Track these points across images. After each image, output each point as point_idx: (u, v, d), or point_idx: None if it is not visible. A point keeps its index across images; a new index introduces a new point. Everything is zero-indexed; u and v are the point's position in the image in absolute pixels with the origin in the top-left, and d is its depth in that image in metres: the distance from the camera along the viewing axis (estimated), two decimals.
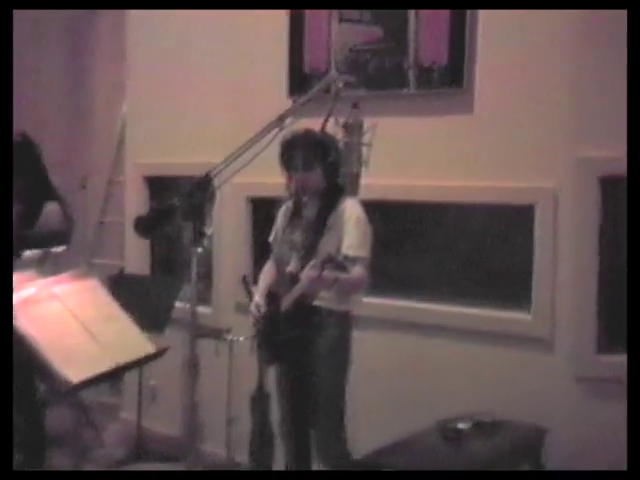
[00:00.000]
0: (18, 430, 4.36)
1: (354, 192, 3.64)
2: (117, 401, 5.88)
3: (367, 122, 3.34)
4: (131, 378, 5.01)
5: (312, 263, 3.49)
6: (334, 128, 3.54)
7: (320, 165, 3.72)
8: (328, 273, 3.41)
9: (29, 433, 4.37)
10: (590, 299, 3.81)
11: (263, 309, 3.83)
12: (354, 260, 3.44)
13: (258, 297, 3.91)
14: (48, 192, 4.39)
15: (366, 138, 3.42)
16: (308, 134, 3.70)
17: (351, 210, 3.72)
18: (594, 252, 3.80)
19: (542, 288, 3.94)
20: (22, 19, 6.75)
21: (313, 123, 3.61)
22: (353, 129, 3.36)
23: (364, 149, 3.55)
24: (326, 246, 3.65)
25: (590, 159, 3.77)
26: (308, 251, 3.72)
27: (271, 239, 4.05)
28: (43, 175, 4.43)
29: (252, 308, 3.87)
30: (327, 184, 3.77)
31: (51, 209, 4.30)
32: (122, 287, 4.55)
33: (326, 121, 3.32)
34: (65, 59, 6.90)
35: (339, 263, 3.34)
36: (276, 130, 3.18)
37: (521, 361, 4.00)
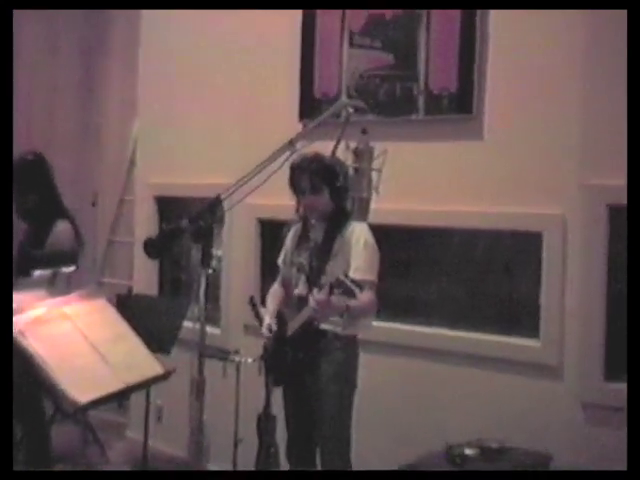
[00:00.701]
0: (24, 447, 4.38)
1: (363, 217, 3.66)
2: (124, 420, 5.88)
3: (378, 148, 3.36)
4: (138, 397, 5.01)
5: (321, 287, 3.50)
6: (344, 153, 3.56)
7: (328, 189, 3.74)
8: (337, 298, 3.41)
9: (35, 450, 4.38)
10: (598, 326, 3.80)
11: (275, 330, 3.84)
12: (362, 284, 3.44)
13: (269, 319, 3.92)
14: (59, 211, 4.40)
15: (376, 163, 3.44)
16: (316, 158, 3.73)
17: (359, 234, 3.73)
18: (602, 279, 3.80)
19: (550, 315, 3.94)
20: (35, 37, 6.83)
21: (323, 147, 3.64)
22: (363, 154, 3.38)
23: (374, 174, 3.57)
24: (333, 270, 3.65)
25: (598, 186, 3.79)
26: (315, 274, 3.73)
27: (279, 261, 4.06)
28: (54, 193, 4.45)
29: (264, 330, 3.87)
30: (335, 208, 3.78)
31: (62, 228, 4.32)
32: (130, 307, 4.55)
33: (336, 146, 3.35)
34: (77, 77, 6.95)
35: (347, 288, 3.33)
36: (287, 154, 3.21)
37: (529, 387, 3.99)
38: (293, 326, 3.76)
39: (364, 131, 3.41)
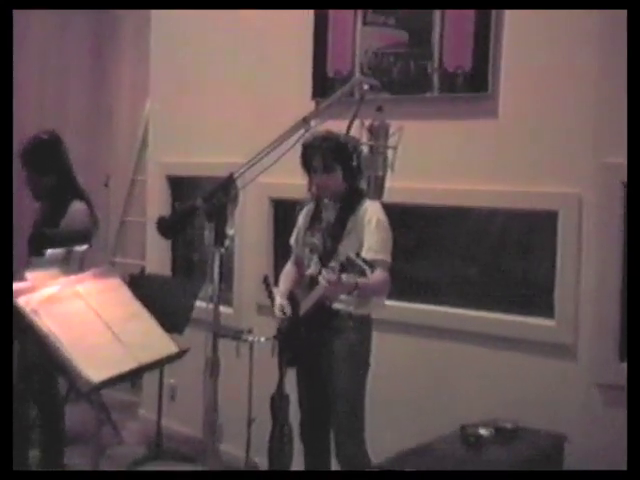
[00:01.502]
0: (38, 427, 4.39)
1: (378, 195, 3.64)
2: (137, 399, 5.90)
3: (393, 125, 3.33)
4: (151, 376, 5.02)
5: (330, 266, 3.48)
6: (359, 131, 3.53)
7: (340, 168, 3.72)
8: (347, 277, 3.39)
9: (48, 430, 4.39)
10: (614, 306, 3.78)
11: (287, 310, 3.83)
12: (374, 263, 3.42)
13: (281, 299, 3.90)
14: (74, 191, 4.39)
15: (392, 141, 3.41)
16: (329, 136, 3.70)
17: (372, 213, 3.72)
18: (618, 258, 3.77)
19: (565, 294, 3.91)
20: (48, 21, 6.81)
21: (337, 125, 3.61)
22: (379, 132, 3.35)
23: (390, 152, 3.54)
24: (346, 249, 3.64)
25: (615, 164, 3.75)
26: (328, 254, 3.72)
27: (292, 241, 4.05)
28: (70, 173, 4.44)
29: (276, 310, 3.87)
30: (347, 187, 3.76)
31: (77, 208, 4.31)
32: (142, 286, 4.54)
33: (351, 124, 3.32)
34: (89, 59, 6.94)
35: (358, 266, 3.31)
36: (301, 132, 3.19)
37: (543, 367, 3.98)
38: (305, 306, 3.76)
39: (379, 108, 3.38)
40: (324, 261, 3.71)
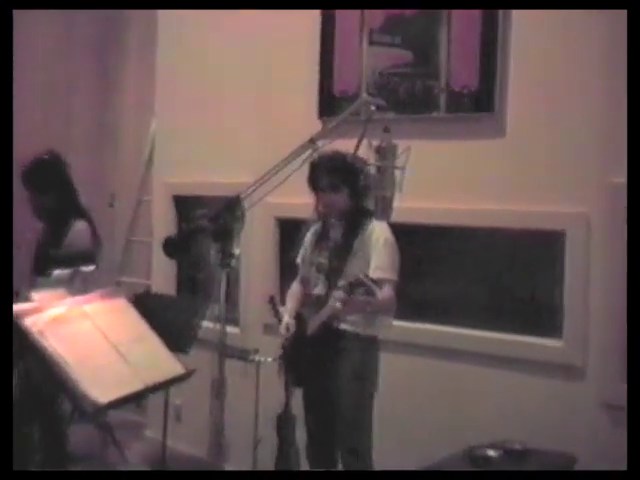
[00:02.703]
0: (41, 447, 4.37)
1: (387, 216, 3.64)
2: (142, 419, 5.88)
3: (400, 145, 3.33)
4: (156, 397, 4.97)
5: (340, 286, 3.48)
6: (367, 151, 3.53)
7: (347, 188, 3.73)
8: (357, 297, 3.39)
9: (52, 451, 4.37)
10: (622, 327, 3.75)
11: (293, 329, 3.82)
12: (381, 282, 3.42)
13: (287, 317, 3.90)
14: (76, 210, 4.39)
15: (399, 161, 3.41)
16: (336, 156, 3.71)
17: (379, 232, 3.72)
18: (626, 279, 3.75)
19: (573, 314, 3.90)
20: (52, 38, 6.83)
21: (343, 145, 3.61)
22: (386, 152, 3.35)
23: (397, 172, 3.54)
24: (353, 269, 3.65)
25: (622, 184, 3.72)
26: (335, 274, 3.72)
27: (299, 260, 4.05)
28: (71, 193, 4.44)
29: (282, 329, 3.86)
30: (354, 206, 3.76)
31: (79, 228, 4.30)
32: (148, 306, 4.53)
33: (359, 144, 3.32)
34: (94, 77, 6.95)
35: (368, 287, 3.31)
36: (308, 152, 3.19)
37: (551, 388, 3.96)
38: (312, 326, 3.75)
39: (386, 129, 3.39)
40: (331, 280, 3.71)
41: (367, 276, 3.37)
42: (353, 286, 3.36)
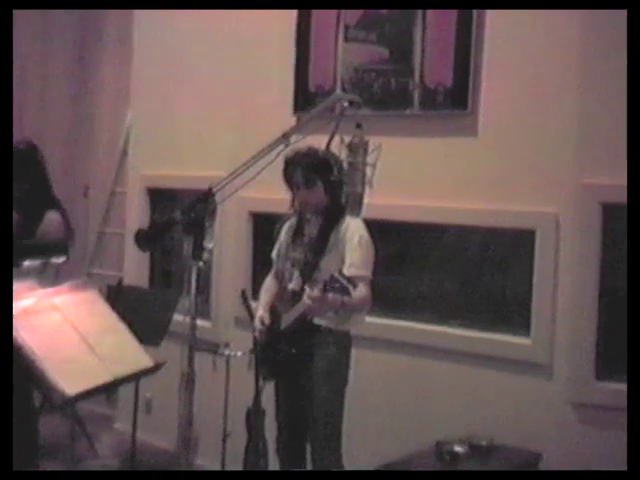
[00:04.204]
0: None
1: (357, 212, 3.65)
2: (112, 412, 5.87)
3: (372, 142, 3.35)
4: (126, 389, 4.99)
5: (314, 282, 3.49)
6: (339, 147, 3.55)
7: (322, 183, 3.74)
8: (331, 295, 3.40)
9: (22, 442, 4.35)
10: (590, 325, 3.80)
11: (267, 322, 3.83)
12: (356, 279, 3.43)
13: (262, 311, 3.91)
14: (50, 201, 4.37)
15: (371, 158, 3.42)
16: (310, 152, 3.72)
17: (354, 229, 3.73)
18: (594, 278, 3.80)
19: (542, 313, 3.93)
20: (29, 27, 6.79)
21: (318, 141, 3.62)
22: (358, 148, 3.36)
23: (368, 169, 3.56)
24: (328, 265, 3.66)
25: (593, 185, 3.78)
26: (309, 269, 3.73)
27: (273, 254, 4.05)
28: (45, 183, 4.41)
29: (256, 322, 3.86)
30: (330, 203, 3.77)
31: (52, 218, 4.28)
32: (120, 298, 4.53)
33: (331, 140, 3.33)
34: (70, 68, 6.91)
35: (342, 285, 3.32)
36: (281, 147, 3.19)
37: (519, 385, 3.99)
38: (287, 320, 3.76)
39: (359, 125, 3.39)
40: (305, 275, 3.72)
41: (342, 274, 3.38)
42: (328, 284, 3.37)
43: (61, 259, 4.20)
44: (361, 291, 3.54)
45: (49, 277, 4.04)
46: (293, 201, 3.86)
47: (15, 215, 4.38)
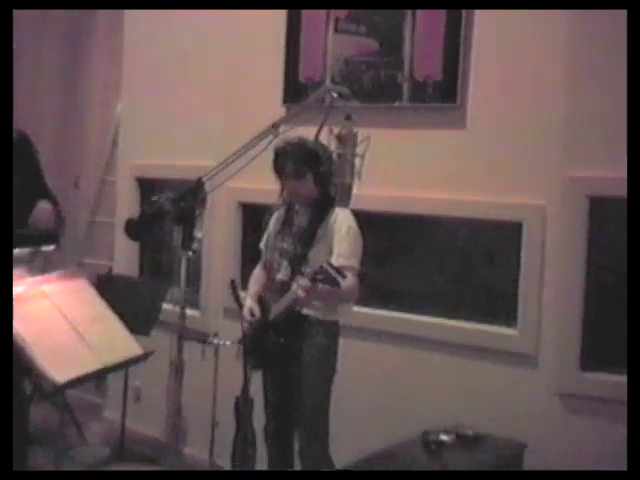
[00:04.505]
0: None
1: (345, 203, 3.66)
2: (101, 400, 5.89)
3: (361, 134, 3.37)
4: (116, 378, 5.01)
5: (304, 273, 3.51)
6: (328, 138, 3.57)
7: (311, 174, 3.75)
8: (320, 285, 3.42)
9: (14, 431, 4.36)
10: (575, 316, 3.83)
11: (257, 313, 3.85)
12: (344, 269, 3.45)
13: (250, 302, 3.93)
14: (41, 190, 4.39)
15: (360, 149, 3.44)
16: (300, 143, 3.72)
17: (342, 220, 3.74)
18: (581, 270, 3.83)
19: (528, 304, 3.96)
20: (20, 19, 6.77)
21: (307, 132, 3.63)
22: (347, 140, 3.38)
23: (357, 160, 3.58)
24: (316, 255, 3.67)
25: (580, 178, 3.81)
26: (298, 260, 3.74)
27: (262, 245, 4.07)
28: (38, 173, 4.43)
29: (245, 312, 3.88)
30: (319, 193, 3.79)
31: (43, 207, 4.29)
32: (110, 287, 4.55)
33: (319, 131, 3.34)
34: (61, 59, 6.90)
35: (330, 276, 3.34)
36: (270, 137, 3.21)
37: (505, 376, 4.02)
38: (275, 310, 3.78)
39: (348, 117, 3.41)
40: (294, 266, 3.74)
41: (331, 264, 3.40)
42: (317, 274, 3.39)
43: (51, 248, 4.22)
44: (349, 281, 3.56)
45: (39, 266, 4.05)
46: (282, 191, 3.87)
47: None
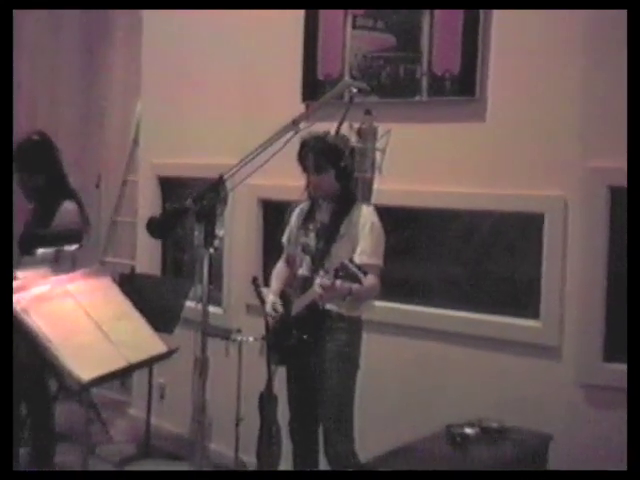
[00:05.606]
0: (28, 425, 4.41)
1: (367, 197, 3.68)
2: (126, 398, 5.92)
3: (381, 128, 3.37)
4: (140, 375, 5.05)
5: (325, 270, 3.52)
6: (348, 133, 3.58)
7: (333, 169, 3.75)
8: (341, 283, 3.43)
9: (38, 429, 4.41)
10: (598, 307, 3.82)
11: (279, 309, 3.86)
12: (366, 267, 3.45)
13: (273, 297, 3.94)
14: (65, 191, 4.42)
15: (380, 144, 3.45)
16: (321, 138, 3.73)
17: (366, 216, 3.75)
18: (603, 261, 3.82)
19: (551, 296, 3.95)
20: (40, 19, 6.83)
21: (326, 128, 3.65)
22: (367, 135, 3.38)
23: (378, 154, 3.58)
24: (339, 252, 3.68)
25: (600, 169, 3.79)
26: (321, 256, 3.75)
27: (284, 239, 4.08)
28: (60, 174, 4.46)
29: (268, 308, 3.89)
30: (341, 189, 3.79)
31: (68, 208, 4.33)
32: (133, 286, 4.58)
33: (339, 126, 3.35)
34: (81, 59, 6.94)
35: (352, 273, 3.34)
36: (290, 134, 3.22)
37: (529, 368, 4.02)
38: (298, 306, 3.79)
39: (368, 112, 3.42)
40: (316, 262, 3.74)
41: (352, 262, 3.39)
42: (338, 272, 3.40)
43: (74, 247, 4.25)
44: (370, 279, 3.56)
45: (64, 266, 4.08)
46: (308, 185, 3.87)
47: (32, 205, 4.44)
